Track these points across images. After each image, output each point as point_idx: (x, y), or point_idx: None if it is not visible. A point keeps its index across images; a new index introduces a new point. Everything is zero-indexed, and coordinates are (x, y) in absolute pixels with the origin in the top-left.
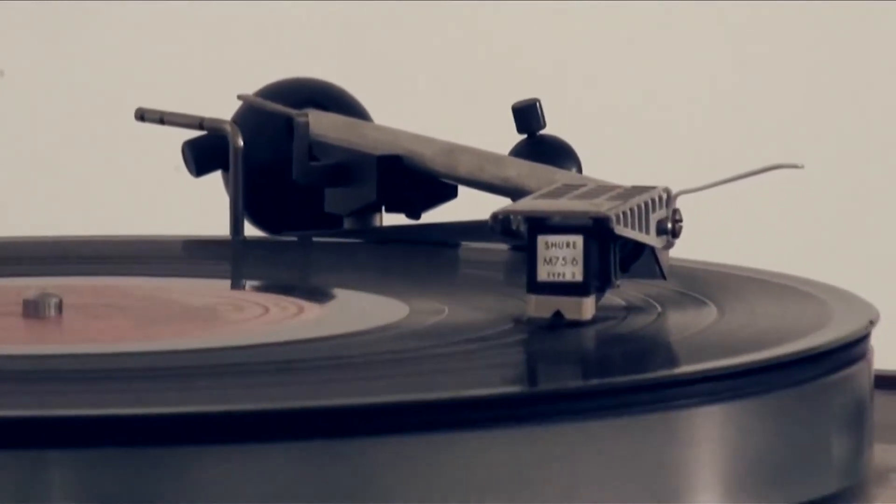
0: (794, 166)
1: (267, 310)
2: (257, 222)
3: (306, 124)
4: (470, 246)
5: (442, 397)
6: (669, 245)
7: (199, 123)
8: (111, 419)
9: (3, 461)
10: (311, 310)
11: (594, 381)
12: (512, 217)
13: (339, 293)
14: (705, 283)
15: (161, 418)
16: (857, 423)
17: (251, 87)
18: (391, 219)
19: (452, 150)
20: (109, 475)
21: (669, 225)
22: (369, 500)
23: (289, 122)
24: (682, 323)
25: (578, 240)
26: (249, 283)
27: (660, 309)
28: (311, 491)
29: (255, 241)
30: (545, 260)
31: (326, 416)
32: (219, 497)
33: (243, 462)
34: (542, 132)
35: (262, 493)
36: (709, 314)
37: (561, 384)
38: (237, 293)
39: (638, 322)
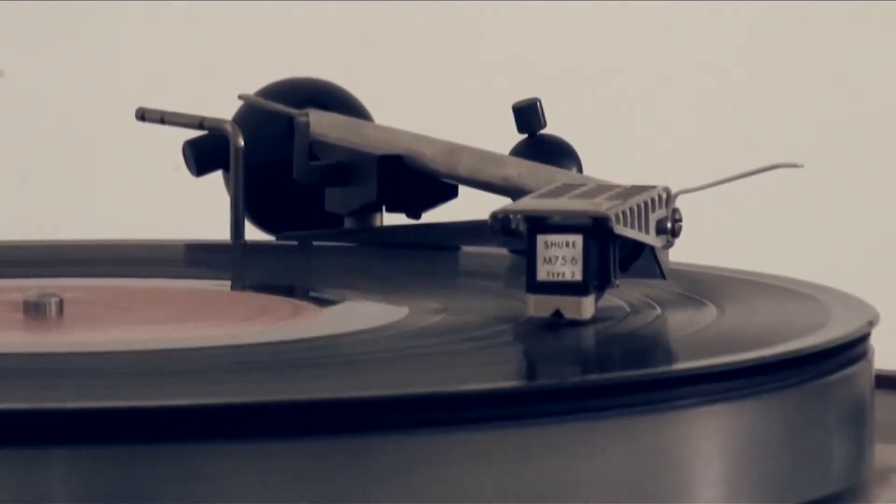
0: (794, 166)
1: (267, 310)
2: (258, 222)
3: (307, 124)
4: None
5: (435, 391)
6: (669, 244)
7: (199, 123)
8: (108, 413)
9: (3, 458)
10: (310, 310)
11: (593, 377)
12: (511, 216)
13: (339, 294)
14: (704, 285)
15: (157, 411)
16: (858, 423)
17: (252, 86)
18: (392, 218)
19: (453, 149)
20: (111, 472)
21: (669, 224)
22: (368, 493)
23: (289, 121)
24: (682, 322)
25: (578, 239)
26: (249, 285)
27: (659, 309)
28: (309, 485)
29: (256, 245)
30: (545, 259)
31: (322, 411)
32: (222, 492)
33: (242, 457)
34: (543, 132)
35: (262, 488)
36: (708, 314)
37: (559, 380)
38: (237, 294)
39: (637, 321)
